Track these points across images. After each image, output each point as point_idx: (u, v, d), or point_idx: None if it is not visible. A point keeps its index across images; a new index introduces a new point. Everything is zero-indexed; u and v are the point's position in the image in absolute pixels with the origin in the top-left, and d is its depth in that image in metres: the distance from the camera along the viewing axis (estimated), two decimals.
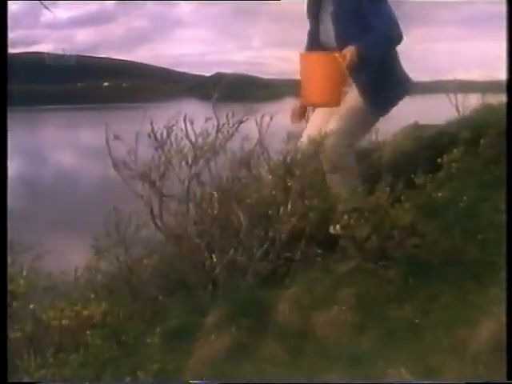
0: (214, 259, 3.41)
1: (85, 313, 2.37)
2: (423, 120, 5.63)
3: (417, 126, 5.43)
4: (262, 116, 3.62)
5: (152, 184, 3.42)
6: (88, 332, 2.29)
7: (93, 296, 2.60)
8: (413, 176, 3.64)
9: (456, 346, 2.31)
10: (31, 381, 2.18)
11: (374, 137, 5.48)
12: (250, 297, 3.02)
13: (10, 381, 2.09)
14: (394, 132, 5.46)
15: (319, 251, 3.36)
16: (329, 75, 2.83)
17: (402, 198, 3.20)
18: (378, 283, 2.88)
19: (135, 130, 3.40)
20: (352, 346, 2.51)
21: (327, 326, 2.68)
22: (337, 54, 2.91)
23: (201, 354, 2.62)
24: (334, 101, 2.90)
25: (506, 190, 2.46)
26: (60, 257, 3.31)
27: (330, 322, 2.69)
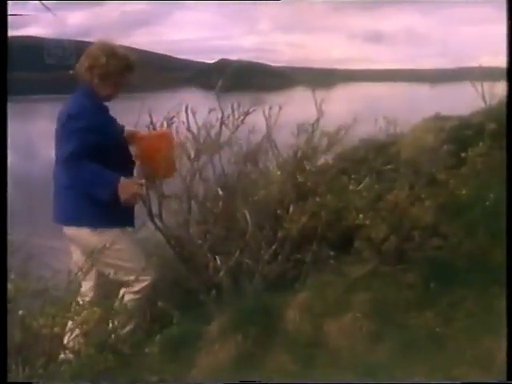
0: (218, 262, 3.42)
1: (78, 319, 2.36)
2: (446, 111, 5.60)
3: (438, 118, 5.40)
4: (270, 107, 3.61)
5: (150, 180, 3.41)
6: (81, 340, 2.29)
7: (87, 301, 2.60)
8: (434, 172, 3.62)
9: (481, 357, 2.30)
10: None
11: (391, 129, 5.47)
12: (256, 303, 3.02)
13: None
14: (413, 124, 5.44)
15: (332, 253, 3.37)
16: (172, 149, 3.26)
17: (423, 195, 3.19)
18: (397, 288, 2.88)
19: (133, 122, 3.40)
20: (368, 357, 2.51)
21: (340, 335, 2.68)
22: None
23: (204, 365, 2.63)
24: (175, 170, 3.33)
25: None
26: (51, 259, 3.31)
27: (343, 331, 2.70)
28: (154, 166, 3.15)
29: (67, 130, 2.92)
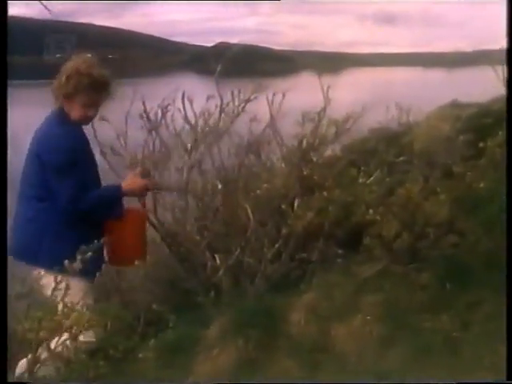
0: (217, 261, 3.43)
1: (66, 323, 2.37)
2: (463, 97, 5.60)
3: (455, 105, 5.40)
4: (274, 94, 3.61)
5: (145, 173, 3.40)
6: (70, 346, 2.30)
7: (75, 303, 2.60)
8: (450, 163, 3.61)
9: (499, 364, 2.30)
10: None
11: (404, 117, 5.47)
12: (258, 304, 3.03)
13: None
14: (428, 112, 5.43)
15: (340, 251, 3.37)
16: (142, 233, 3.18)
17: (438, 189, 3.19)
18: (409, 289, 2.88)
19: (124, 110, 3.40)
20: (378, 363, 2.51)
21: (349, 340, 2.68)
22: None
23: (201, 371, 2.63)
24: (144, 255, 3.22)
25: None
26: None
27: (352, 335, 2.70)
28: (119, 253, 3.05)
29: (49, 167, 2.91)
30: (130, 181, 3.04)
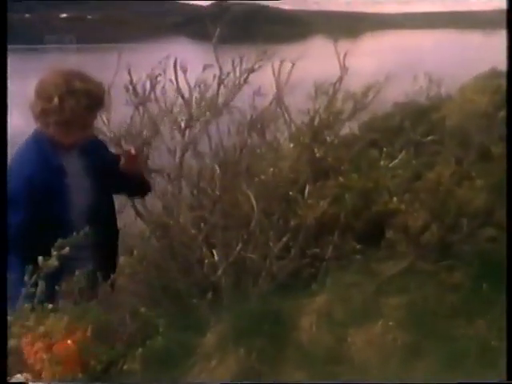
0: (216, 257, 3.44)
1: (40, 329, 2.38)
2: (504, 65, 5.55)
3: (495, 74, 5.38)
4: (281, 62, 3.60)
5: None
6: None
7: (50, 307, 2.61)
8: (488, 143, 3.61)
9: None
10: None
11: (434, 89, 5.45)
12: (263, 308, 3.03)
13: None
14: (462, 83, 5.41)
15: (358, 246, 3.38)
16: None
17: (473, 173, 3.18)
18: (439, 290, 2.88)
19: (107, 81, 3.39)
20: (403, 376, 2.52)
21: (369, 349, 2.69)
22: None
23: None
24: None
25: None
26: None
27: (372, 343, 2.70)
28: None
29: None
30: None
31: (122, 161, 3.18)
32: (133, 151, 3.18)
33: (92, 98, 2.92)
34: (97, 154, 3.13)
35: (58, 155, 2.99)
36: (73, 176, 3.04)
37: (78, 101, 2.87)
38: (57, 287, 2.53)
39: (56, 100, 2.85)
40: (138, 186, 3.30)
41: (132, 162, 3.19)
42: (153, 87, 3.44)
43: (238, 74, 3.48)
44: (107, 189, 3.18)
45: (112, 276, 2.99)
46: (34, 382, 2.30)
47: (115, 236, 3.25)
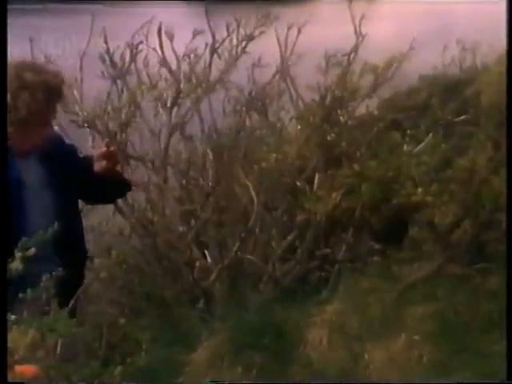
0: (209, 259, 3.47)
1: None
2: None
3: None
4: (287, 27, 3.60)
5: (109, 137, 3.36)
6: (8, 374, 2.33)
7: (13, 318, 2.63)
8: None
9: None
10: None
11: (468, 60, 5.43)
12: (264, 319, 3.04)
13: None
14: (500, 52, 5.39)
15: (377, 246, 3.40)
16: None
17: None
18: (472, 298, 2.90)
19: (78, 49, 3.39)
20: None
21: (389, 367, 2.71)
22: None
23: None
24: None
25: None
26: None
27: (393, 360, 2.72)
28: None
29: None
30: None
31: (97, 164, 3.17)
32: (108, 147, 3.16)
33: (49, 91, 2.90)
34: (62, 159, 3.13)
35: (15, 165, 3.00)
36: (32, 187, 3.06)
37: (33, 95, 2.86)
38: (21, 295, 2.54)
39: (8, 97, 2.86)
40: (116, 190, 3.27)
41: (109, 161, 3.18)
42: (133, 57, 3.45)
43: (234, 41, 3.49)
44: (75, 199, 3.19)
45: (84, 282, 3.00)
46: (34, 381, 2.34)
47: (81, 236, 3.27)
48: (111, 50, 3.43)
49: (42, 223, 2.98)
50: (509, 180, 2.63)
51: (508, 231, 2.60)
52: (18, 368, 2.50)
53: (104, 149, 3.07)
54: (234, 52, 3.49)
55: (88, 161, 3.13)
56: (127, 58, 3.44)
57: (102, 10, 3.92)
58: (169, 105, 3.45)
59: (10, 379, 2.35)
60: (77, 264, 3.18)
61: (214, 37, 3.46)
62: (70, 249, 3.03)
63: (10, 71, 2.89)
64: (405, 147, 3.45)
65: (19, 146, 2.96)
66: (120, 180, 3.15)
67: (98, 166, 3.03)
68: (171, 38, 3.43)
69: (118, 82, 3.48)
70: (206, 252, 3.46)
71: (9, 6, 2.97)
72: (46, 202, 3.07)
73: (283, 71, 3.62)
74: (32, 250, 2.45)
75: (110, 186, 3.13)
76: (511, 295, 2.46)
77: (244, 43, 3.49)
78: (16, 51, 2.99)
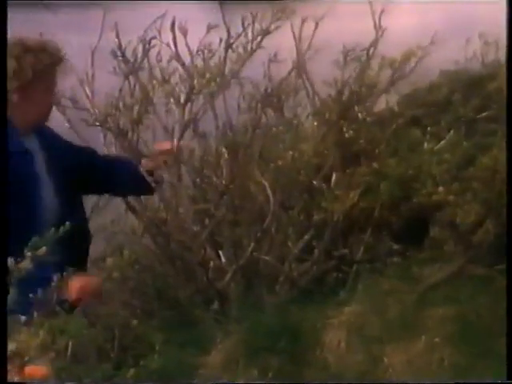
0: (223, 259, 3.46)
1: (11, 346, 2.40)
2: None
3: None
4: (303, 21, 3.58)
5: (121, 135, 3.43)
6: (16, 379, 2.32)
7: (24, 319, 2.63)
8: None
9: None
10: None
11: (491, 54, 5.39)
12: (280, 320, 3.05)
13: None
14: None
15: (396, 247, 3.40)
16: None
17: None
18: (495, 300, 2.87)
19: (89, 44, 3.39)
20: None
21: (410, 370, 2.70)
22: None
23: None
24: None
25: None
26: None
27: (413, 364, 2.72)
28: None
29: None
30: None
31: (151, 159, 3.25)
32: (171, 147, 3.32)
33: (51, 54, 3.06)
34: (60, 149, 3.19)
35: (22, 138, 3.05)
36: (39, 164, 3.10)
37: (37, 57, 3.00)
38: (31, 296, 2.55)
39: (13, 62, 2.93)
40: (143, 188, 3.38)
41: (162, 160, 3.27)
42: (146, 53, 3.43)
43: (249, 36, 3.46)
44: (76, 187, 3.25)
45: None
46: (34, 381, 2.34)
47: (87, 235, 3.30)
48: (123, 45, 3.42)
49: (53, 206, 3.04)
50: (509, 180, 2.67)
51: (508, 231, 2.63)
52: (28, 369, 2.50)
53: (167, 147, 3.14)
54: (249, 47, 3.47)
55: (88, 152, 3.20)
56: (140, 54, 3.43)
57: (114, 4, 3.91)
58: (182, 101, 3.44)
59: (16, 380, 2.35)
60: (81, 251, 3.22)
61: (228, 32, 3.44)
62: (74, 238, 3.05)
63: (13, 39, 2.99)
64: (425, 145, 3.45)
65: (23, 117, 3.02)
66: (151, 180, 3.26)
67: (151, 161, 3.09)
68: (185, 33, 3.41)
69: (131, 77, 3.48)
70: (220, 252, 3.45)
71: (19, 1, 2.99)
72: (48, 187, 3.12)
73: (300, 67, 3.61)
74: (43, 249, 2.44)
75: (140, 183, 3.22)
76: (511, 296, 2.50)
77: (259, 38, 3.47)
78: None
